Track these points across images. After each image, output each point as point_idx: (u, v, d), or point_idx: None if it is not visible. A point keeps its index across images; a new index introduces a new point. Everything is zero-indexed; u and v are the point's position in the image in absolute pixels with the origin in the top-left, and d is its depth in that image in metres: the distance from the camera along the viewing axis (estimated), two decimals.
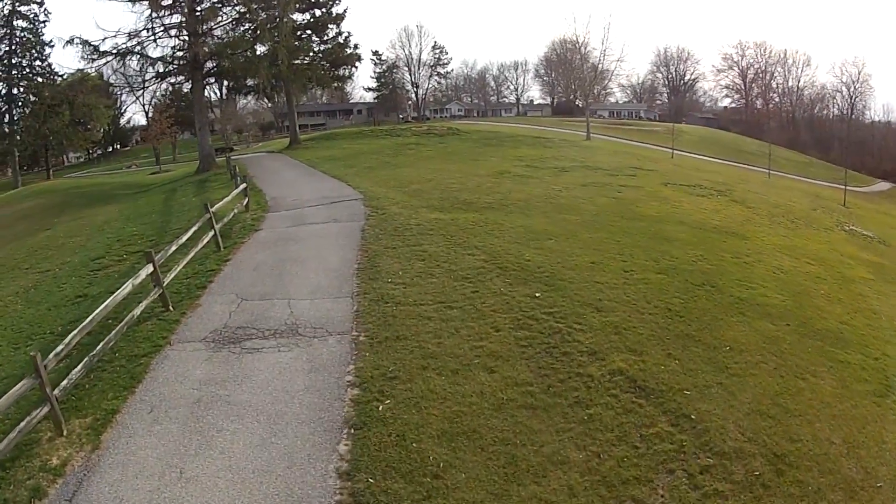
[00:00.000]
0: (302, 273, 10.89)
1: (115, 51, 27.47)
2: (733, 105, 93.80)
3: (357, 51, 39.46)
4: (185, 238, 11.38)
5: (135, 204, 22.94)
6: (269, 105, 54.55)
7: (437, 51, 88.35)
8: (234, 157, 36.51)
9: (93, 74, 41.67)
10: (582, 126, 53.14)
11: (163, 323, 9.04)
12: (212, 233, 12.90)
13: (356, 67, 40.50)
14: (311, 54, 37.31)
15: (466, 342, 7.96)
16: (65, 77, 44.51)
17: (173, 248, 10.72)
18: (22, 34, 47.34)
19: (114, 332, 8.17)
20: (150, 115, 69.88)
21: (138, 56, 28.43)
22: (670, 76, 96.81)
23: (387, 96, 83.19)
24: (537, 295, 9.43)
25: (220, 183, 23.69)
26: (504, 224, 13.79)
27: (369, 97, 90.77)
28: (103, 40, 27.35)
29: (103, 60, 27.95)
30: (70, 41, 26.56)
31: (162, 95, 63.93)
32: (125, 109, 78.76)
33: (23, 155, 54.14)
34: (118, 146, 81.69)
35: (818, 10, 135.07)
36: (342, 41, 38.21)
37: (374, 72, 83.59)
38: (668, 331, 8.41)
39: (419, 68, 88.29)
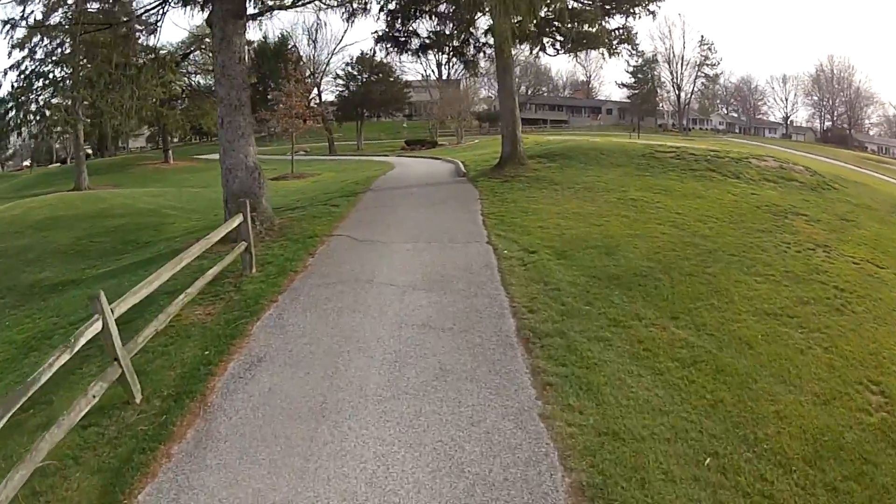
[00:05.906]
0: None
1: None
2: None
3: None
4: None
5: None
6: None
7: (705, 47, 72.29)
8: (377, 187, 16.68)
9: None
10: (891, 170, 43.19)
11: None
12: None
13: (652, 14, 17.65)
14: None
15: None
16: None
17: None
18: None
19: None
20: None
21: None
22: None
23: (644, 95, 67.12)
24: None
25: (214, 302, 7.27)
26: None
27: (617, 95, 76.46)
28: None
29: None
30: None
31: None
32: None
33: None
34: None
35: None
36: None
37: (630, 65, 67.01)
38: None
39: (682, 66, 72.92)
